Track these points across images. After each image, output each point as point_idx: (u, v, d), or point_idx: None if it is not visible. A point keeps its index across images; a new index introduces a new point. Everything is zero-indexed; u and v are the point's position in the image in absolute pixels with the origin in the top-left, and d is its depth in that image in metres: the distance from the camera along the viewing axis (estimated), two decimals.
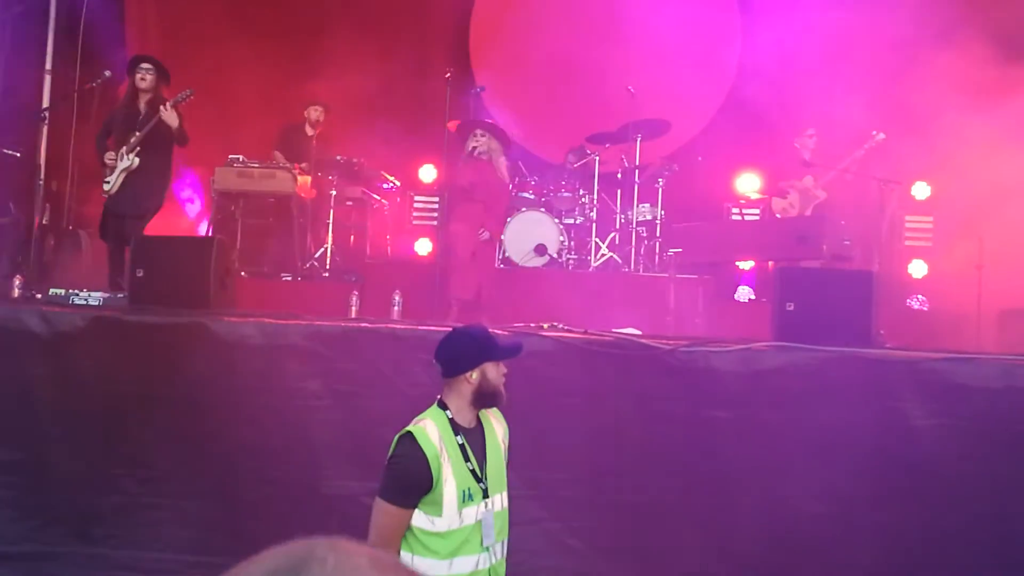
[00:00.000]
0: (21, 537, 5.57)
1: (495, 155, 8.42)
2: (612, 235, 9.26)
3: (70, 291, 6.47)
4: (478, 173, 8.33)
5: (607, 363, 5.32)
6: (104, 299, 6.33)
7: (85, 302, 6.28)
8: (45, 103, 9.63)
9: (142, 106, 7.73)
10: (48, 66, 9.85)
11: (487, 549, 3.36)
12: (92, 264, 8.54)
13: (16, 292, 6.71)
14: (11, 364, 5.60)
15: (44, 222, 9.44)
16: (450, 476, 3.30)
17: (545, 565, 5.08)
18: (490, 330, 3.55)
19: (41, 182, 9.65)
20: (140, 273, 6.01)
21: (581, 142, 9.70)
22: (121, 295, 6.43)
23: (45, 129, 9.53)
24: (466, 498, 3.33)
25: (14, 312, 5.73)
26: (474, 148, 8.36)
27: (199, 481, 5.58)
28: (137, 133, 7.58)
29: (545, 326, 5.68)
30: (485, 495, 3.37)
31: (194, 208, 10.09)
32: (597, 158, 9.30)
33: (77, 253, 8.70)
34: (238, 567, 0.70)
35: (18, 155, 9.48)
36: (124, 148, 7.60)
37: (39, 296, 6.60)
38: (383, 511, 3.31)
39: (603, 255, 9.06)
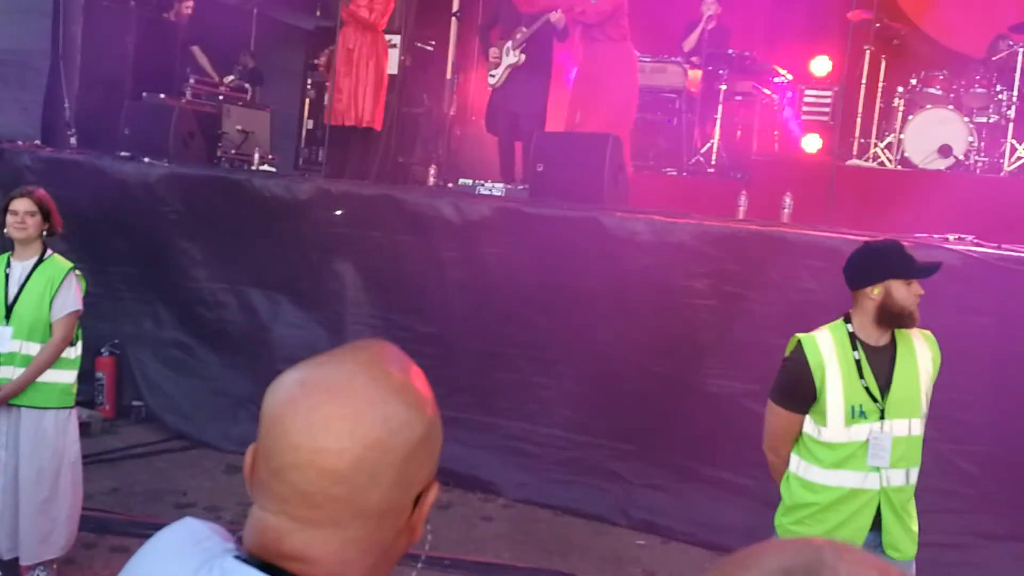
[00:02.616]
0: None
1: None
2: None
3: (476, 181, 6.99)
4: None
5: (1022, 282, 4.86)
6: (507, 190, 6.78)
7: (490, 192, 6.77)
8: (456, 4, 10.31)
9: None
10: None
11: (877, 470, 3.28)
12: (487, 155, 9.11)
13: (431, 180, 7.38)
14: (429, 247, 6.21)
15: (452, 113, 10.23)
16: (836, 389, 3.26)
17: (934, 486, 4.84)
18: (905, 247, 3.34)
19: (449, 76, 10.44)
20: (540, 168, 6.34)
21: (1003, 31, 8.69)
22: (521, 187, 6.84)
23: (455, 24, 10.24)
24: (856, 414, 3.26)
25: (432, 200, 6.31)
26: None
27: (584, 367, 5.90)
28: (524, 29, 7.50)
29: (951, 238, 5.27)
30: (882, 416, 3.27)
31: None
32: (1021, 50, 8.30)
33: (479, 144, 9.34)
34: (742, 553, 0.67)
35: (430, 48, 10.25)
36: (509, 43, 7.55)
37: (450, 185, 7.20)
38: (772, 411, 3.42)
39: (1019, 158, 8.17)
